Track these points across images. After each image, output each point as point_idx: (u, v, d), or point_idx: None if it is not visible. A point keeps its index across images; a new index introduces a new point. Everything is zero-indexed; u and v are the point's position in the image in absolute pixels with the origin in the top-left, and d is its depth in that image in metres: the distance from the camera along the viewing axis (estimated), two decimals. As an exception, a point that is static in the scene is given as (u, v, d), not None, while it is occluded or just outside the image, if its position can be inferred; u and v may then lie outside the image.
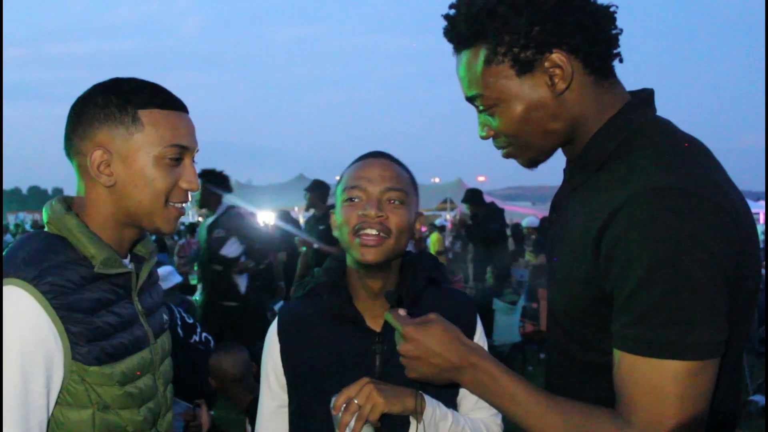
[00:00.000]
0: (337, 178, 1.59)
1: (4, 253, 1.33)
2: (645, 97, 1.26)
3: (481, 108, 1.28)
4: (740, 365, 1.24)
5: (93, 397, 1.32)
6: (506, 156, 1.32)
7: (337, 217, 1.51)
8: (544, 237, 10.44)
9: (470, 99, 1.28)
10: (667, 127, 1.23)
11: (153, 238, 1.59)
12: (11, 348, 1.23)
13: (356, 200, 1.46)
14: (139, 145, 1.36)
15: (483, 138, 1.31)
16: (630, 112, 1.23)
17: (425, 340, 1.24)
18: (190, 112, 1.47)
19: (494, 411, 1.55)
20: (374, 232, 1.43)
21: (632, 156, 1.17)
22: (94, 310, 1.32)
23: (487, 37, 1.21)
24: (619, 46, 1.23)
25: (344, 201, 1.48)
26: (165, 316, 1.60)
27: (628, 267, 1.06)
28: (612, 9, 1.22)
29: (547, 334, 1.40)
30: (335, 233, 1.53)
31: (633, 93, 1.28)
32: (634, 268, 1.05)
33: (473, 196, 9.08)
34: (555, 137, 1.26)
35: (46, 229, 1.39)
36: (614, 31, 1.22)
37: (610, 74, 1.25)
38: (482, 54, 1.22)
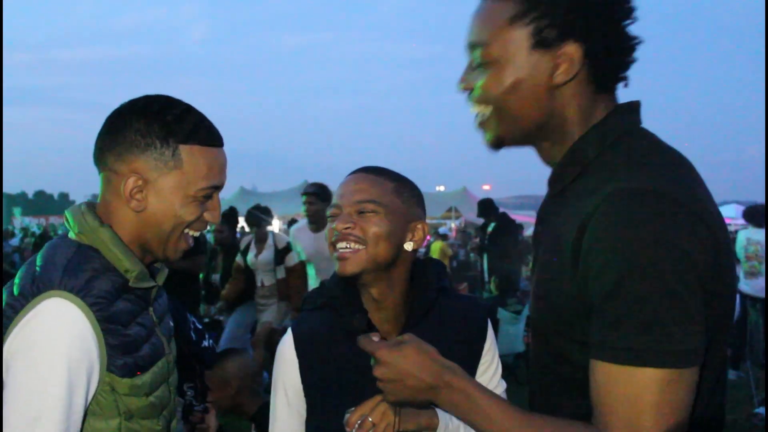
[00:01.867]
0: None
1: (39, 263, 1.32)
2: (630, 107, 1.24)
3: (476, 59, 1.23)
4: (723, 377, 1.22)
5: (121, 407, 1.32)
6: (478, 124, 1.28)
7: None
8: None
9: (471, 45, 1.24)
10: (647, 136, 1.22)
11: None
12: (59, 361, 1.22)
13: (333, 217, 1.50)
14: (176, 181, 1.36)
15: (461, 88, 1.27)
16: (613, 121, 1.21)
17: (399, 362, 1.21)
18: None
19: None
20: (345, 244, 1.45)
21: (610, 163, 1.16)
22: (127, 322, 1.33)
23: None
24: (629, 70, 1.22)
25: (328, 218, 1.52)
26: (171, 322, 1.61)
27: (602, 272, 1.04)
28: (638, 40, 1.20)
29: (531, 349, 1.38)
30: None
31: (621, 104, 1.26)
32: (608, 273, 1.03)
33: (484, 209, 9.08)
34: (527, 122, 1.22)
35: (73, 238, 1.38)
36: (629, 59, 1.21)
37: (611, 91, 1.24)
38: (511, 9, 1.18)
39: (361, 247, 1.45)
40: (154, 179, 1.36)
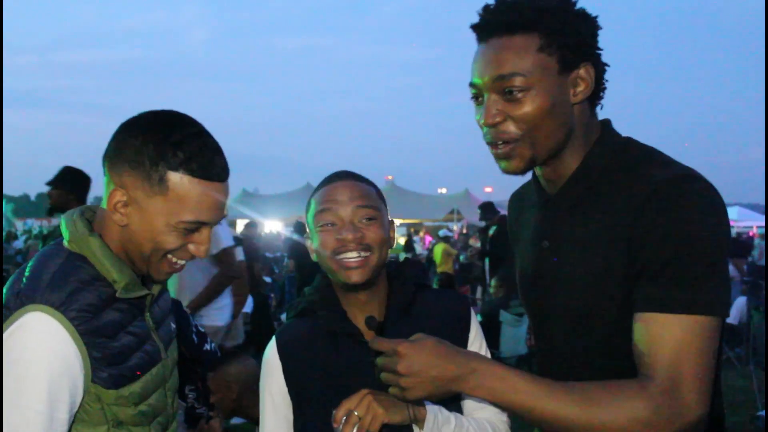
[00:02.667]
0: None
1: (26, 273, 1.31)
2: (610, 123, 1.42)
3: (507, 90, 1.30)
4: (719, 379, 1.32)
5: (108, 415, 1.32)
6: (503, 153, 1.34)
7: (313, 242, 1.52)
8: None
9: (500, 78, 1.30)
10: (640, 142, 1.39)
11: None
12: (40, 377, 1.22)
13: (330, 225, 1.47)
14: (159, 207, 1.30)
15: (489, 123, 1.32)
16: (611, 133, 1.40)
17: (420, 355, 1.24)
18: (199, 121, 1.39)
19: (498, 409, 1.55)
20: (355, 254, 1.45)
21: (628, 166, 1.32)
22: (114, 334, 1.31)
23: (546, 28, 1.29)
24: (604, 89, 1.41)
25: (318, 226, 1.49)
26: (173, 325, 1.59)
27: (662, 242, 1.20)
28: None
29: (549, 354, 1.47)
30: (314, 257, 1.54)
31: (604, 120, 1.43)
32: (670, 243, 1.19)
33: (485, 212, 9.09)
34: (558, 140, 1.34)
35: (66, 245, 1.36)
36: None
37: (596, 106, 1.40)
38: (537, 41, 1.29)
39: (368, 254, 1.46)
40: (140, 199, 1.30)
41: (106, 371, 1.29)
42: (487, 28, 1.34)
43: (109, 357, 1.29)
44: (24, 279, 1.30)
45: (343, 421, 1.32)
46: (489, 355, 1.64)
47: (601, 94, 1.38)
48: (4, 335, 1.24)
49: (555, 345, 1.44)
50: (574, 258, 1.35)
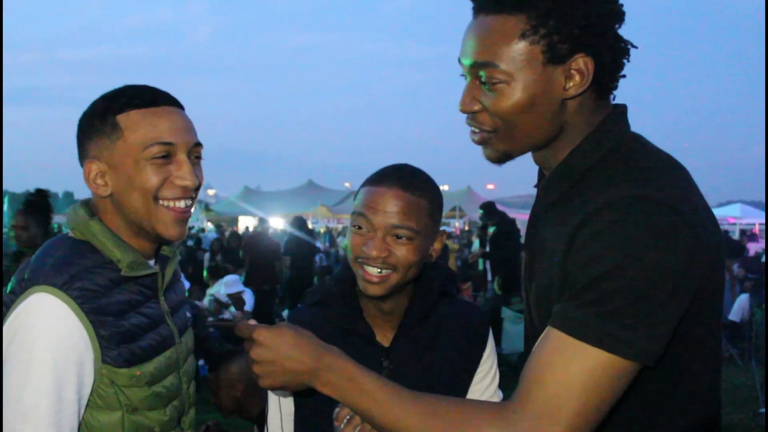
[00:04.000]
0: (347, 185, 1.56)
1: (31, 260, 1.34)
2: (619, 113, 1.25)
3: (484, 79, 1.18)
4: (717, 384, 1.23)
5: (122, 399, 1.32)
6: (478, 141, 1.25)
7: (347, 235, 1.47)
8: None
9: (477, 64, 1.18)
10: (641, 142, 1.23)
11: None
12: (44, 357, 1.23)
13: (361, 229, 1.40)
14: (123, 151, 1.32)
15: (464, 110, 1.23)
16: (607, 128, 1.22)
17: (277, 344, 1.18)
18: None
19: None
20: (376, 270, 1.38)
21: (609, 170, 1.17)
22: (122, 313, 1.32)
23: (534, 10, 1.13)
24: (623, 77, 1.23)
25: (352, 224, 1.43)
26: (188, 314, 1.60)
27: (591, 263, 1.06)
28: (630, 44, 1.20)
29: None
30: (343, 247, 1.51)
31: (610, 112, 1.26)
32: (597, 264, 1.05)
33: (486, 212, 9.08)
34: (540, 137, 1.22)
35: (70, 234, 1.39)
36: (625, 60, 1.21)
37: (607, 96, 1.24)
38: (521, 25, 1.14)
39: (389, 272, 1.39)
40: (108, 157, 1.34)
41: (116, 350, 1.29)
42: (477, 1, 1.21)
43: (118, 335, 1.30)
44: (29, 267, 1.32)
45: (345, 420, 1.30)
46: (497, 375, 1.61)
47: (614, 83, 1.21)
48: (10, 318, 1.26)
49: (530, 345, 1.33)
50: (540, 260, 1.24)
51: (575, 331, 1.04)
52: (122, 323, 1.32)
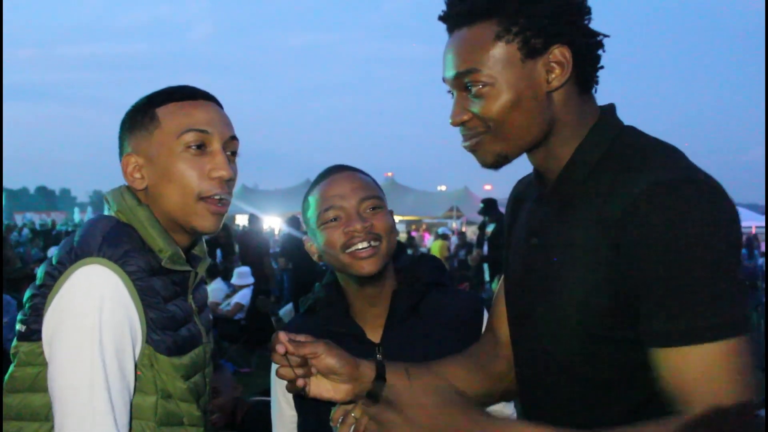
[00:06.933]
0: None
1: (76, 237, 1.30)
2: (612, 108, 1.28)
3: (469, 86, 1.21)
4: None
5: (159, 384, 1.30)
6: (471, 147, 1.26)
7: (317, 242, 1.47)
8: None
9: (459, 75, 1.22)
10: (640, 132, 1.26)
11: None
12: (104, 325, 1.21)
13: (335, 221, 1.44)
14: (160, 140, 1.34)
15: (455, 123, 1.25)
16: (608, 121, 1.25)
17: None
18: None
19: (504, 402, 1.54)
20: (365, 244, 1.41)
21: (623, 160, 1.18)
22: (165, 300, 1.32)
23: (502, 13, 1.18)
24: (601, 68, 1.26)
25: (322, 224, 1.45)
26: (211, 316, 1.60)
27: (658, 261, 1.06)
28: (603, 35, 1.23)
29: (527, 362, 1.34)
30: (315, 258, 1.52)
31: (604, 106, 1.29)
32: (666, 261, 1.06)
33: (485, 208, 9.10)
34: (533, 134, 1.23)
35: (114, 216, 1.37)
36: (601, 52, 1.24)
37: (590, 89, 1.26)
38: (494, 29, 1.18)
39: (377, 243, 1.43)
40: (145, 150, 1.36)
41: (159, 335, 1.29)
42: (449, 20, 1.25)
43: (163, 320, 1.29)
44: (76, 238, 1.30)
45: (340, 420, 1.32)
46: None
47: (594, 74, 1.24)
48: (62, 290, 1.24)
49: (534, 351, 1.30)
50: (563, 261, 1.22)
51: (693, 340, 1.05)
52: (167, 308, 1.31)
